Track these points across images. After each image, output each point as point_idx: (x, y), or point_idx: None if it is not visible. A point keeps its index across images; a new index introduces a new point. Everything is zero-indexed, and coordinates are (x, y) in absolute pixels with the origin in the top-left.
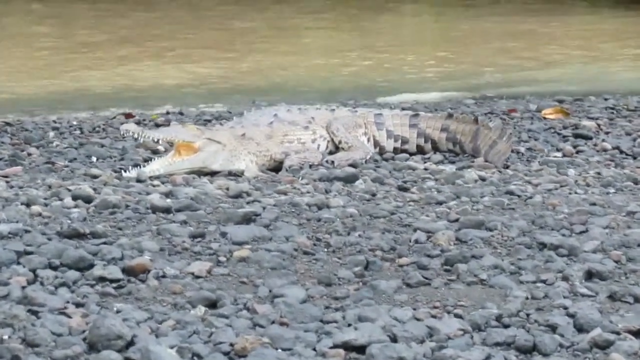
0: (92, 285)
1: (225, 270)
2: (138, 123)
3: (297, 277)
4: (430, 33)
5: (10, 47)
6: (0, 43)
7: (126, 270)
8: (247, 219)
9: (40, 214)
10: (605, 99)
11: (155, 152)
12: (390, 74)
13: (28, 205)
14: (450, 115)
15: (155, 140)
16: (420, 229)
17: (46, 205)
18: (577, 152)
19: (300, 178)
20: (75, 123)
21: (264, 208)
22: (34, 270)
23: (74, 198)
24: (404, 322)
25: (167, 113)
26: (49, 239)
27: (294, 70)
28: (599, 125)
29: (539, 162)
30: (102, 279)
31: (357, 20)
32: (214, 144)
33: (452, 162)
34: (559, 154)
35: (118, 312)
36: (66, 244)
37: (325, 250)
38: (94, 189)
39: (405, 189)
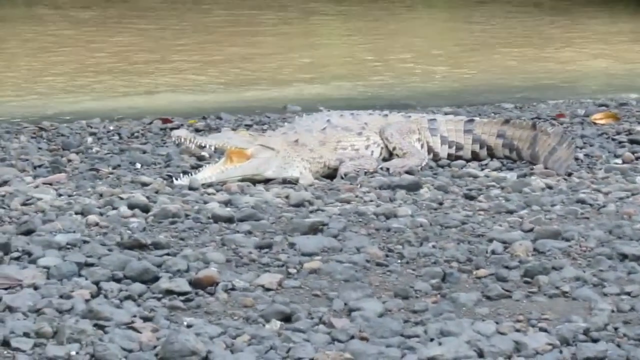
0: (158, 299)
1: (296, 282)
2: (177, 128)
3: (372, 290)
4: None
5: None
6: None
7: (193, 283)
8: (314, 229)
9: (97, 224)
10: None
11: (200, 158)
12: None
13: (83, 214)
14: (506, 121)
15: (208, 146)
16: (496, 239)
17: (102, 214)
18: (637, 159)
19: (359, 186)
20: (112, 128)
21: (329, 217)
22: (97, 283)
23: (131, 207)
24: (488, 336)
25: (204, 118)
26: (110, 250)
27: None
28: None
29: (604, 169)
30: (169, 292)
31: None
32: (267, 150)
33: (511, 169)
34: (619, 161)
35: (189, 326)
36: (128, 255)
37: (399, 261)
38: (148, 198)
39: (472, 198)
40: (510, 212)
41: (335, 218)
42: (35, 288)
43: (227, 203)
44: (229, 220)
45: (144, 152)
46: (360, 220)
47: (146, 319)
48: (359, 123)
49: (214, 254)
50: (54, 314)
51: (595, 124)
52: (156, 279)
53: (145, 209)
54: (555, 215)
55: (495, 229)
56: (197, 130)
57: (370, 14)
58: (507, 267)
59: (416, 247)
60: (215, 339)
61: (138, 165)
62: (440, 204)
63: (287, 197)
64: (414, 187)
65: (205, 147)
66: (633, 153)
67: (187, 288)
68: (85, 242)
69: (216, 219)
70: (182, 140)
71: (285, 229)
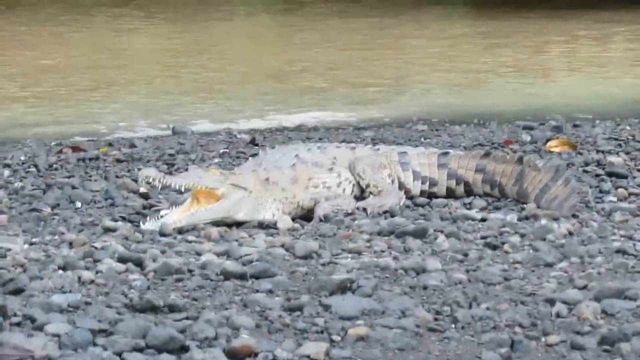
0: None
1: (345, 352)
2: (97, 159)
3: None
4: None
5: None
6: None
7: (229, 353)
8: (343, 287)
9: (92, 281)
10: (576, 126)
11: (145, 196)
12: None
13: (65, 269)
14: (487, 154)
15: (178, 187)
16: (556, 299)
17: (87, 269)
18: (630, 195)
19: (350, 230)
20: (23, 158)
21: (349, 272)
22: (119, 354)
23: (121, 261)
24: None
25: (110, 145)
26: (119, 314)
27: None
28: (624, 161)
29: (612, 210)
30: None
31: None
32: (238, 190)
33: (498, 209)
34: (613, 198)
35: None
36: (144, 320)
37: (454, 326)
38: (126, 247)
39: (495, 247)
40: (550, 265)
41: (359, 274)
42: None
43: (224, 254)
44: (242, 277)
45: (74, 187)
46: (387, 276)
47: None
48: (328, 157)
49: (239, 317)
50: None
51: (550, 152)
52: (183, 348)
53: (138, 263)
54: (604, 269)
55: (546, 286)
56: (118, 161)
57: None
58: (579, 333)
59: (466, 309)
60: None
61: (79, 204)
62: (466, 255)
63: (282, 245)
64: (420, 234)
65: (177, 188)
66: (620, 189)
67: None
68: (87, 303)
69: (227, 275)
70: (151, 180)
71: (310, 288)
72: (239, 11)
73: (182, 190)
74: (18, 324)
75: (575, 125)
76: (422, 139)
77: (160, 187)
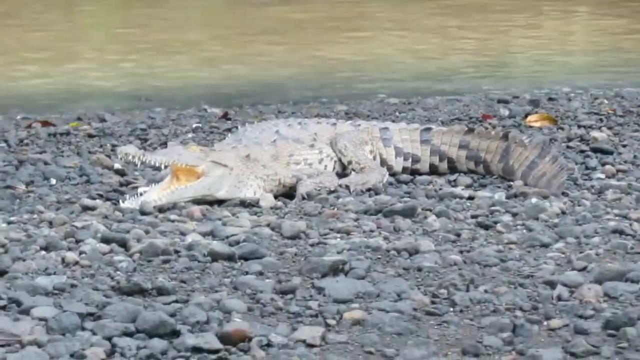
0: (186, 358)
1: (341, 337)
2: (68, 134)
3: (435, 346)
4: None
5: None
6: None
7: (222, 338)
8: (335, 269)
9: (77, 263)
10: (551, 99)
11: (120, 172)
12: None
13: (47, 249)
14: (470, 130)
15: (158, 164)
16: (555, 282)
17: (70, 249)
18: (618, 172)
19: (335, 209)
20: None
21: (339, 253)
22: (109, 338)
23: (105, 241)
24: None
25: (80, 119)
26: (107, 297)
27: None
28: (608, 136)
29: (603, 188)
30: (196, 350)
31: None
32: (219, 167)
33: (484, 186)
34: (601, 175)
35: None
36: (132, 304)
37: (452, 309)
38: (108, 227)
39: (487, 227)
40: (546, 246)
41: (350, 255)
42: (39, 346)
43: (209, 234)
44: (230, 258)
45: (46, 163)
46: (379, 257)
47: None
48: (308, 133)
49: (231, 301)
50: None
51: (530, 127)
52: (174, 332)
53: (123, 244)
54: (602, 250)
55: (544, 268)
56: (90, 136)
57: None
58: (581, 317)
59: (464, 292)
60: None
61: (53, 181)
62: (458, 235)
63: (268, 225)
64: (409, 213)
65: (156, 165)
66: (607, 165)
67: (218, 344)
68: (73, 286)
69: (215, 256)
70: (131, 158)
71: (301, 270)
72: None
73: (162, 167)
74: (3, 308)
75: (551, 99)
76: (397, 113)
77: (139, 164)
